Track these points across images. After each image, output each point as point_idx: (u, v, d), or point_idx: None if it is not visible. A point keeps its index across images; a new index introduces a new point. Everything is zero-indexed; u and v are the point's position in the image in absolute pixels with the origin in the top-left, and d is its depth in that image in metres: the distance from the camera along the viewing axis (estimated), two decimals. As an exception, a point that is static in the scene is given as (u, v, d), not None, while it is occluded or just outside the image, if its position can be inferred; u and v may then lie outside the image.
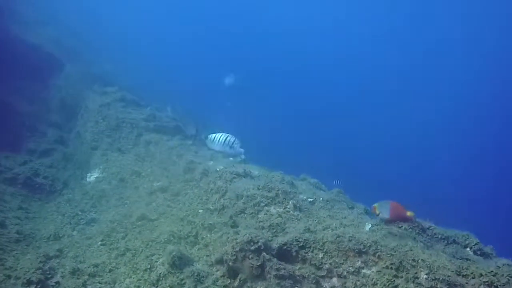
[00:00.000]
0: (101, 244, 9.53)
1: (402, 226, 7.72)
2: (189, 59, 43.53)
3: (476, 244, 7.72)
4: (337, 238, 7.06)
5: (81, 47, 21.27)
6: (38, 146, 15.54)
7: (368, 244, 6.85)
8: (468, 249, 7.68)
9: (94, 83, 17.43)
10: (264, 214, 8.12)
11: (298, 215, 8.08)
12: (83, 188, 12.66)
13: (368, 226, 7.70)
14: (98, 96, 16.11)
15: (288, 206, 8.23)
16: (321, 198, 8.95)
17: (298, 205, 8.21)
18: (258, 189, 8.65)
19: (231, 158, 11.75)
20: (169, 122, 14.81)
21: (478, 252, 7.63)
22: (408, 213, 7.62)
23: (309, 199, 8.91)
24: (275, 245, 7.20)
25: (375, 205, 7.87)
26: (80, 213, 11.57)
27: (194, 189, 10.30)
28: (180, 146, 13.00)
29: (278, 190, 8.51)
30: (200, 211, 9.19)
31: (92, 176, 12.93)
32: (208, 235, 8.47)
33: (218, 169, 9.92)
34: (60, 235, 10.65)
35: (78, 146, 15.08)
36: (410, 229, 7.68)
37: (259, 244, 7.01)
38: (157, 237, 8.77)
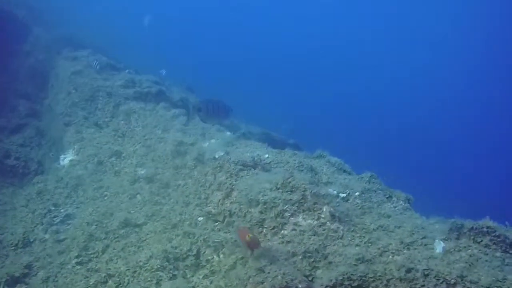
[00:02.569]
0: (76, 263, 6.64)
1: (481, 241, 4.89)
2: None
3: None
4: (407, 273, 4.24)
5: (44, 8, 17.51)
6: (8, 122, 12.36)
7: (453, 281, 4.11)
8: None
9: (64, 47, 14.03)
10: (292, 230, 5.23)
11: (338, 228, 5.19)
12: (57, 173, 9.62)
13: (439, 246, 4.86)
14: (68, 62, 12.77)
15: (322, 216, 5.31)
16: (356, 193, 6.08)
17: (336, 213, 5.27)
18: (277, 188, 5.71)
19: (228, 133, 8.73)
20: (151, 86, 11.59)
21: None
22: (248, 236, 4.58)
23: (341, 194, 6.04)
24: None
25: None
26: (53, 208, 8.65)
27: (187, 179, 7.37)
28: (164, 117, 9.89)
29: (304, 191, 5.57)
30: (199, 218, 6.25)
31: (66, 159, 9.89)
32: (215, 256, 5.59)
33: (217, 156, 6.91)
34: (31, 240, 7.96)
35: (51, 120, 11.94)
36: (494, 246, 4.86)
37: (298, 292, 4.19)
38: (147, 262, 5.85)
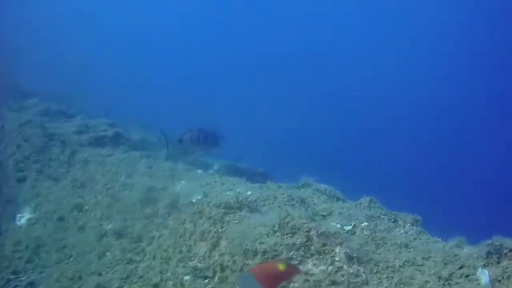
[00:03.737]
0: None
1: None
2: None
3: None
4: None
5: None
6: (-45, 183, 10.78)
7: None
8: None
9: (9, 97, 12.54)
10: (305, 281, 4.04)
11: (358, 271, 4.03)
12: (14, 235, 8.17)
13: (484, 275, 3.77)
14: (15, 114, 11.31)
15: (337, 258, 4.14)
16: (363, 224, 4.96)
17: (353, 254, 4.12)
18: (275, 232, 4.52)
19: (199, 171, 7.51)
20: (106, 130, 10.27)
21: None
22: (281, 266, 3.45)
23: (346, 227, 4.91)
24: None
25: None
26: (12, 277, 7.22)
27: (162, 229, 6.08)
28: (126, 161, 8.59)
29: (308, 231, 4.39)
30: (186, 277, 4.96)
31: (23, 218, 8.45)
32: (213, 325, 4.32)
33: (194, 200, 5.67)
34: (-13, 322, 6.50)
35: (2, 178, 10.41)
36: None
37: None
38: None
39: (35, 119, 10.84)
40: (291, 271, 3.38)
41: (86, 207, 7.87)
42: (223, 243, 4.86)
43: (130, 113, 15.13)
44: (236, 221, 4.99)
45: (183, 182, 6.83)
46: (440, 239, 5.03)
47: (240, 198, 5.32)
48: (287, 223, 4.51)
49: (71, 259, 6.94)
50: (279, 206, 5.28)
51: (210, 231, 5.06)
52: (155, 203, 6.51)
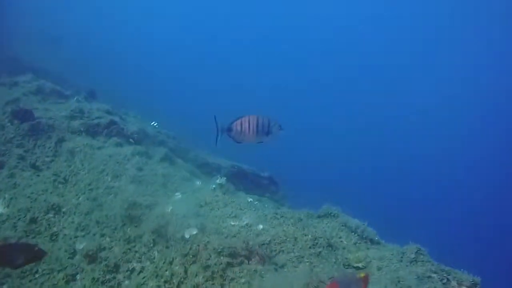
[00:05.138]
0: None
1: None
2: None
3: None
4: None
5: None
6: None
7: None
8: None
9: (3, 72, 10.88)
10: None
11: None
12: (-19, 232, 6.53)
13: None
14: (6, 90, 9.65)
15: None
16: (416, 295, 3.33)
17: None
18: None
19: (197, 182, 5.86)
20: (101, 117, 8.63)
21: None
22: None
23: (393, 298, 3.29)
24: None
25: None
26: (-32, 287, 5.60)
27: (144, 261, 4.45)
28: (115, 157, 6.96)
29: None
30: None
31: (-6, 212, 6.79)
32: None
33: (187, 235, 4.02)
34: None
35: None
36: None
37: None
38: None
39: (25, 98, 9.25)
40: None
41: (64, 209, 6.26)
42: (222, 309, 3.24)
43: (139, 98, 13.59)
44: (243, 280, 3.35)
45: (177, 195, 5.21)
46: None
47: (250, 243, 3.67)
48: (317, 297, 2.89)
49: (36, 276, 5.35)
50: (302, 257, 3.66)
51: (204, 286, 3.43)
52: (138, 223, 4.87)
